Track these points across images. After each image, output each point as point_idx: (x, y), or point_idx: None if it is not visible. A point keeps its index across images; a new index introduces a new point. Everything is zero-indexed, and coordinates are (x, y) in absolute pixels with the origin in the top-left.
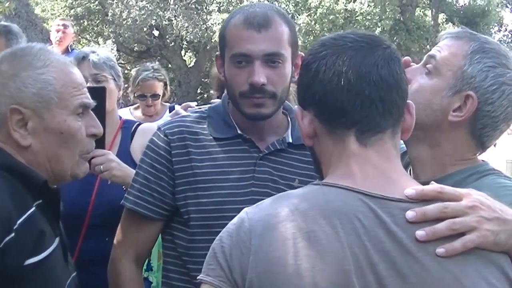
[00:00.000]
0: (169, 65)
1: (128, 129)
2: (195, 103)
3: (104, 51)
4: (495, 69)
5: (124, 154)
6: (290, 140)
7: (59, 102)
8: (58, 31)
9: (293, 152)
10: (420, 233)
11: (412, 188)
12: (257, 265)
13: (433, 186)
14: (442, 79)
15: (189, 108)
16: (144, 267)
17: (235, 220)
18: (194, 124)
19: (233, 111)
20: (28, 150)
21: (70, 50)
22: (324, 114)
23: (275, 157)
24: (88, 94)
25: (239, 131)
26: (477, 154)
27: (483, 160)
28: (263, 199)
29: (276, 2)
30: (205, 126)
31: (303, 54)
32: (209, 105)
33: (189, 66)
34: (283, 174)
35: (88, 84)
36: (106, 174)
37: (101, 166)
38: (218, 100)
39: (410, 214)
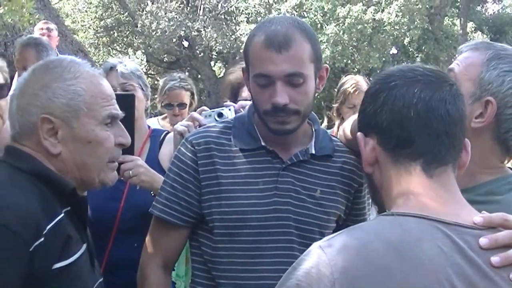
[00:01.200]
0: (199, 76)
1: (157, 137)
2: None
3: (131, 62)
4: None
5: (153, 162)
6: (313, 151)
7: (88, 112)
8: (42, 35)
9: (316, 163)
10: (495, 259)
11: (480, 216)
12: None
13: (499, 215)
14: (462, 89)
15: (203, 112)
16: None
17: (307, 256)
18: (220, 134)
19: (257, 122)
20: (58, 157)
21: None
22: (390, 143)
23: (298, 168)
24: (116, 105)
25: (262, 143)
26: (505, 162)
27: None
28: (285, 209)
29: (304, 12)
30: (230, 136)
31: (328, 66)
32: (221, 109)
33: (218, 77)
34: (305, 185)
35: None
36: (135, 179)
37: (130, 171)
38: (230, 104)
39: (483, 241)
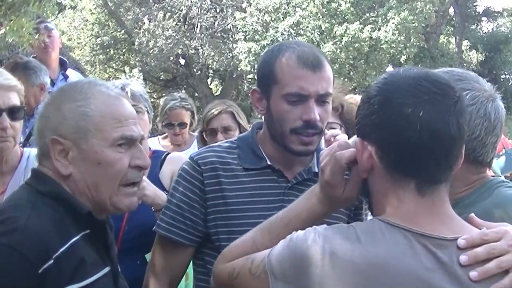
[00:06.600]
0: (196, 94)
1: (158, 158)
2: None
3: (139, 84)
4: None
5: (154, 181)
6: (316, 170)
7: (96, 133)
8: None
9: None
10: (473, 274)
11: (462, 238)
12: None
13: (479, 234)
14: None
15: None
16: None
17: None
18: (225, 154)
19: (262, 142)
20: (69, 178)
21: (64, 63)
22: (389, 160)
23: (302, 186)
24: (133, 127)
25: (268, 162)
26: (484, 172)
27: (498, 176)
28: None
29: (301, 30)
30: (235, 156)
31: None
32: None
33: (215, 95)
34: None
35: None
36: (137, 193)
37: None
38: None
39: (463, 258)
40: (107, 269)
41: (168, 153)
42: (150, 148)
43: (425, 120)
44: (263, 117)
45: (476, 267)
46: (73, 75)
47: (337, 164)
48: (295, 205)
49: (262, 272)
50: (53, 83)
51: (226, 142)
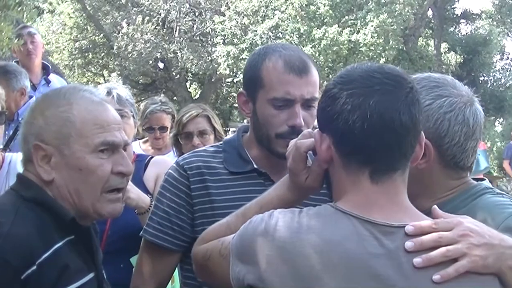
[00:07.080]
0: (175, 97)
1: (142, 162)
2: None
3: (125, 88)
4: (432, 105)
5: (138, 184)
6: None
7: (78, 139)
8: (24, 44)
9: None
10: (417, 260)
11: (410, 225)
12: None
13: (430, 222)
14: None
15: None
16: None
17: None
18: (211, 158)
19: (248, 145)
20: (52, 184)
21: (47, 68)
22: (344, 149)
23: None
24: (117, 133)
25: (255, 165)
26: (465, 176)
27: (481, 179)
28: None
29: (280, 33)
30: (221, 160)
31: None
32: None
33: (194, 98)
34: (297, 206)
35: None
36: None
37: None
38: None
39: (408, 244)
40: (91, 275)
41: (152, 157)
42: (134, 152)
43: (376, 109)
44: (244, 121)
45: (422, 254)
46: (55, 80)
47: (297, 152)
48: (268, 192)
49: (228, 253)
50: (34, 88)
51: (212, 146)
